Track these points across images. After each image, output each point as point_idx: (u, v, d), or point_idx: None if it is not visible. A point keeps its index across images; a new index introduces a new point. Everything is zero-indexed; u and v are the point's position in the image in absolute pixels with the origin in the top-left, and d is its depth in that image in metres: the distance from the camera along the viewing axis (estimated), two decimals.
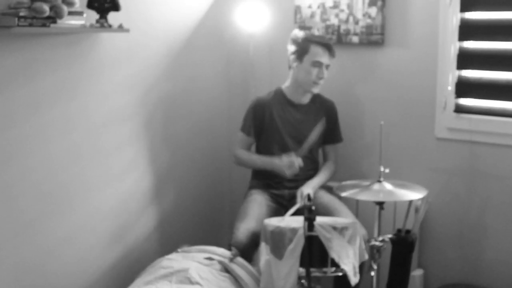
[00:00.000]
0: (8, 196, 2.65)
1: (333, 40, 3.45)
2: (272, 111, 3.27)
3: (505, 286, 3.07)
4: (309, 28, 3.47)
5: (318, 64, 3.16)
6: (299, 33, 3.24)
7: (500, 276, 3.14)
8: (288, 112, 3.28)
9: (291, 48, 3.23)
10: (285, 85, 3.32)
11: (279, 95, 3.31)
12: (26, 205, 2.71)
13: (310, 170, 3.30)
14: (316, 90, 3.23)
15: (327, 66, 3.19)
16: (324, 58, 3.17)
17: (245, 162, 3.34)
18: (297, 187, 3.23)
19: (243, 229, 2.96)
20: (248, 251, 2.90)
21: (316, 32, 3.43)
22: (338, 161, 3.41)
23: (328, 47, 3.18)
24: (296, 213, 3.10)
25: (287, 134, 3.26)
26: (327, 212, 3.02)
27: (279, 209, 3.24)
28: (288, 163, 3.11)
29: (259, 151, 3.35)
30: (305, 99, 3.30)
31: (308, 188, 3.16)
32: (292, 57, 3.22)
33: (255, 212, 3.08)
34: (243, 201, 3.26)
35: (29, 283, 2.76)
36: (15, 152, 2.64)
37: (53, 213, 2.83)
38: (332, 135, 3.37)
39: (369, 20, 3.34)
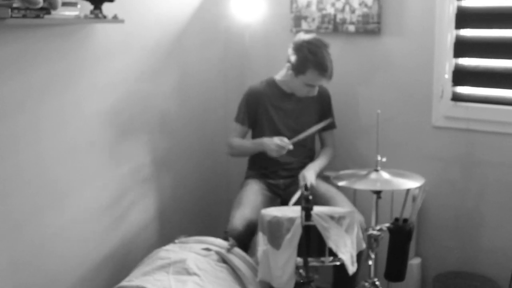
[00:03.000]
0: (7, 187, 2.63)
1: (329, 30, 3.44)
2: (265, 100, 3.26)
3: (502, 274, 3.07)
4: (301, 18, 3.44)
5: (311, 85, 3.13)
6: (301, 44, 3.09)
7: (497, 264, 3.15)
8: (281, 101, 3.26)
9: (291, 57, 3.12)
10: (279, 76, 3.29)
11: (271, 85, 3.28)
12: (19, 200, 2.68)
13: (305, 158, 3.30)
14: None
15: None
16: (319, 82, 3.13)
17: (237, 149, 3.31)
18: (292, 176, 3.23)
19: (239, 216, 2.96)
20: (243, 238, 2.90)
21: (310, 23, 3.41)
22: (335, 148, 3.41)
23: (325, 73, 3.08)
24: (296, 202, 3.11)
25: (281, 123, 3.25)
26: (324, 202, 3.03)
27: (275, 198, 3.25)
28: (279, 144, 3.08)
29: None
30: None
31: (310, 172, 3.15)
32: (289, 64, 3.15)
33: (251, 200, 3.09)
34: (239, 191, 3.26)
35: (24, 279, 2.73)
36: (7, 146, 2.61)
37: (47, 208, 2.81)
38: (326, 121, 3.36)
39: (365, 9, 3.33)
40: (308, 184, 3.00)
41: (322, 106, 3.33)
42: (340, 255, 2.53)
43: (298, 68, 3.10)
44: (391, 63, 3.34)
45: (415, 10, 3.22)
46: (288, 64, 3.16)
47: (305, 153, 3.30)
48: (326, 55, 3.09)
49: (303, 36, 3.15)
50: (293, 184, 3.22)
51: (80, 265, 3.00)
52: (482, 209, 3.19)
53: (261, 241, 2.65)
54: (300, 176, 3.13)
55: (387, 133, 3.07)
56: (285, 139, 3.11)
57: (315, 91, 3.18)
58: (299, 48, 3.10)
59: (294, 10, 3.55)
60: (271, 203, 3.13)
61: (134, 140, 3.24)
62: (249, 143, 3.30)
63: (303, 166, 3.24)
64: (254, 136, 3.35)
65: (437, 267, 3.33)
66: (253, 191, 3.18)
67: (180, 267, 2.63)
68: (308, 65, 3.07)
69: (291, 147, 3.11)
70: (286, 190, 3.26)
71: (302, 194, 2.43)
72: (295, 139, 3.15)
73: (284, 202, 3.20)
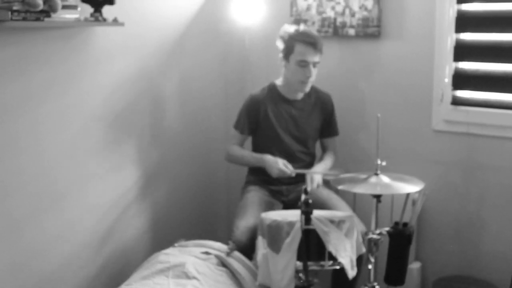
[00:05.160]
0: (6, 189, 2.62)
1: (329, 33, 3.44)
2: (266, 108, 3.24)
3: (502, 278, 3.07)
4: (301, 21, 3.45)
5: (304, 64, 3.08)
6: (286, 30, 3.15)
7: (498, 268, 3.14)
8: (282, 109, 3.25)
9: (279, 46, 3.16)
10: (279, 81, 3.28)
11: (273, 92, 3.27)
12: (19, 202, 2.68)
13: (306, 165, 3.28)
14: (306, 89, 3.18)
15: (315, 64, 3.11)
16: (310, 57, 3.08)
17: (236, 158, 3.30)
18: (295, 182, 3.21)
19: (243, 227, 2.92)
20: (248, 249, 2.87)
21: (310, 26, 3.41)
22: (337, 154, 3.40)
23: (313, 45, 3.07)
24: (294, 207, 3.10)
25: (283, 130, 3.24)
26: (325, 208, 3.01)
27: (278, 204, 3.22)
28: (282, 170, 3.08)
29: (256, 148, 3.33)
30: (300, 95, 3.26)
31: (317, 172, 3.15)
32: (280, 55, 3.17)
33: (254, 209, 3.04)
34: (241, 197, 3.24)
35: (22, 282, 2.73)
36: (7, 148, 2.61)
37: (46, 210, 2.81)
38: (329, 128, 3.35)
39: (365, 13, 3.33)
40: (315, 185, 3.01)
41: (325, 114, 3.31)
42: (340, 259, 2.52)
43: (287, 50, 3.12)
44: (391, 67, 3.34)
45: (415, 13, 3.22)
46: (280, 56, 3.17)
47: (307, 159, 3.28)
48: (311, 31, 3.14)
49: (287, 26, 3.19)
50: (296, 189, 3.20)
51: (79, 268, 3.00)
52: (482, 213, 3.19)
53: (261, 245, 2.65)
54: (308, 177, 3.11)
55: (387, 136, 3.06)
56: (290, 166, 3.10)
57: (310, 72, 3.10)
58: (284, 34, 3.14)
59: (294, 14, 3.55)
60: (274, 210, 3.10)
61: (133, 143, 3.24)
62: (249, 156, 3.26)
63: None
64: (255, 143, 3.34)
65: (437, 271, 3.32)
66: (256, 200, 3.14)
67: (180, 271, 2.63)
68: (294, 41, 3.09)
69: (293, 175, 3.10)
70: (289, 195, 3.25)
71: (301, 199, 2.42)
72: (300, 171, 3.13)
73: (287, 208, 3.17)
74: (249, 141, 3.37)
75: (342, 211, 3.00)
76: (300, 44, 3.07)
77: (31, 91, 2.67)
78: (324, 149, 3.39)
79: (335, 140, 3.39)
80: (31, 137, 2.71)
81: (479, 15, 3.10)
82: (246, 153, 3.29)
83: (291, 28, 3.15)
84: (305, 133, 3.27)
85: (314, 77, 3.15)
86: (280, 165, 3.08)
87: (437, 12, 3.14)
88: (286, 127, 3.24)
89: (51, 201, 2.82)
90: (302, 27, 3.17)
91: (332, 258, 2.53)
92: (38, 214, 2.77)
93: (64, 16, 2.59)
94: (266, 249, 2.59)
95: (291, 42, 3.09)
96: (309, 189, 2.97)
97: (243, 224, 2.94)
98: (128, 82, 3.15)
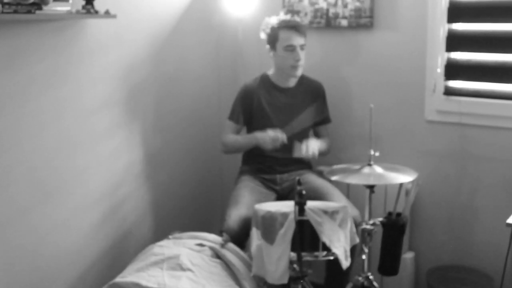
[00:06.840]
0: (0, 183, 2.62)
1: (322, 24, 3.44)
2: (259, 97, 3.26)
3: (495, 268, 3.08)
4: (293, 12, 3.45)
5: (291, 48, 3.14)
6: (267, 22, 3.23)
7: (490, 257, 3.16)
8: (275, 97, 3.27)
9: (263, 37, 3.24)
10: (270, 71, 3.32)
11: (265, 81, 3.30)
12: (18, 191, 2.69)
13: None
14: (298, 73, 3.20)
15: (302, 46, 3.17)
16: (295, 40, 3.14)
17: (231, 145, 3.32)
18: (288, 171, 3.23)
19: (235, 215, 2.95)
20: (240, 237, 2.89)
21: (302, 17, 3.42)
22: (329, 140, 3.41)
23: (295, 28, 3.16)
24: (287, 196, 3.11)
25: (276, 118, 3.25)
26: (319, 196, 3.02)
27: (270, 194, 3.24)
28: (273, 137, 3.09)
29: None
30: (291, 83, 3.29)
31: (313, 141, 3.17)
32: (267, 46, 3.23)
33: (247, 198, 3.07)
34: (234, 187, 3.25)
35: (22, 269, 2.74)
36: (6, 140, 2.61)
37: (45, 200, 2.81)
38: (321, 116, 3.36)
39: (357, 3, 3.33)
40: (310, 153, 3.03)
41: (317, 101, 3.33)
42: (334, 250, 2.52)
43: (272, 39, 3.19)
44: (383, 57, 3.34)
45: (408, 4, 3.22)
46: (267, 47, 3.22)
47: None
48: (291, 17, 3.22)
49: (267, 19, 3.25)
50: (289, 179, 3.22)
51: (74, 261, 3.00)
52: (475, 202, 3.21)
53: (255, 236, 2.65)
54: (303, 145, 3.12)
55: (380, 127, 3.07)
56: (279, 131, 3.11)
57: (299, 55, 3.16)
58: (266, 25, 3.22)
59: (287, 5, 3.54)
60: (267, 199, 3.11)
61: (127, 136, 3.24)
62: (242, 138, 3.30)
63: (299, 161, 3.24)
64: (249, 133, 3.34)
65: (431, 261, 3.34)
66: (249, 189, 3.17)
67: (174, 263, 2.63)
68: (277, 31, 3.16)
69: (285, 139, 3.11)
70: (282, 185, 3.26)
71: (295, 189, 2.42)
72: (289, 131, 3.14)
73: (280, 198, 3.19)
74: (243, 133, 3.37)
75: (336, 198, 3.02)
76: (283, 30, 3.15)
77: (24, 84, 2.67)
78: (318, 136, 3.40)
79: (327, 128, 3.40)
80: (28, 129, 2.70)
81: (471, 5, 3.10)
82: (238, 137, 3.33)
83: (272, 19, 3.22)
84: (299, 121, 3.28)
85: (303, 61, 3.20)
86: (269, 133, 3.11)
87: (429, 2, 3.14)
88: (279, 115, 3.25)
89: (50, 191, 2.83)
90: (282, 15, 3.25)
91: (326, 248, 2.53)
92: (37, 203, 2.78)
93: (56, 8, 2.57)
94: (260, 240, 2.60)
95: (274, 31, 3.17)
96: (302, 154, 3.02)
97: (235, 213, 2.96)
98: (121, 74, 3.14)
